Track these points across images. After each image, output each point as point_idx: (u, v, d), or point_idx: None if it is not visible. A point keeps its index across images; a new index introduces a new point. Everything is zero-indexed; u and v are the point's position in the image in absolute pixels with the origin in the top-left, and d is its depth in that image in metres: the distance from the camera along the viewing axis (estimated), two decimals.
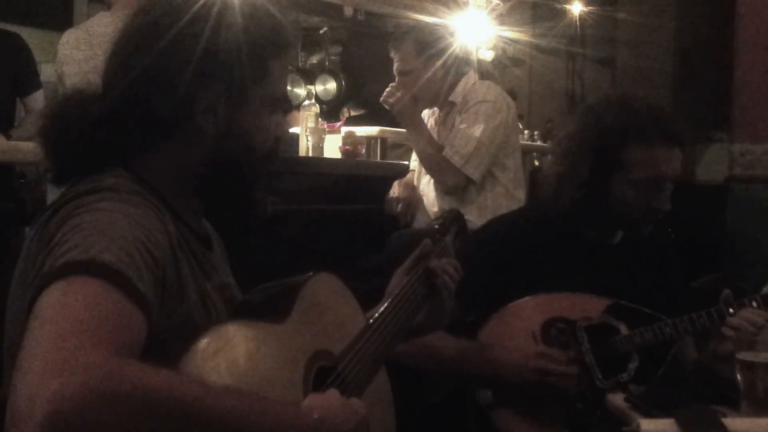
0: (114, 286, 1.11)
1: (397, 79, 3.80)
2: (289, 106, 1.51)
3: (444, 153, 3.65)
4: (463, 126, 3.65)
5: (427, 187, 3.85)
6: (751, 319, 2.12)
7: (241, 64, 1.38)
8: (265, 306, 1.38)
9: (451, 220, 1.98)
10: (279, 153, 1.51)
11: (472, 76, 3.81)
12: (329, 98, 5.91)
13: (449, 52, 3.74)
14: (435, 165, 3.70)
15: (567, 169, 2.30)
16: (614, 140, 2.24)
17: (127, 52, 1.41)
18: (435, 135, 3.85)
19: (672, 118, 2.31)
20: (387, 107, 3.78)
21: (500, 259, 2.29)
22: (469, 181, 3.63)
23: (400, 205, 3.87)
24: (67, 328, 1.03)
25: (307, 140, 4.05)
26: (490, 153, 3.63)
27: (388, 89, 3.77)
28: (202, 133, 1.39)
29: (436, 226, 1.92)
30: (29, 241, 1.30)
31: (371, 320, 1.56)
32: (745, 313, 2.15)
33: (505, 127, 3.67)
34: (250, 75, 1.39)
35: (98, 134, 1.37)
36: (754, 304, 2.17)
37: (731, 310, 2.18)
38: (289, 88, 5.44)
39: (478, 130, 3.61)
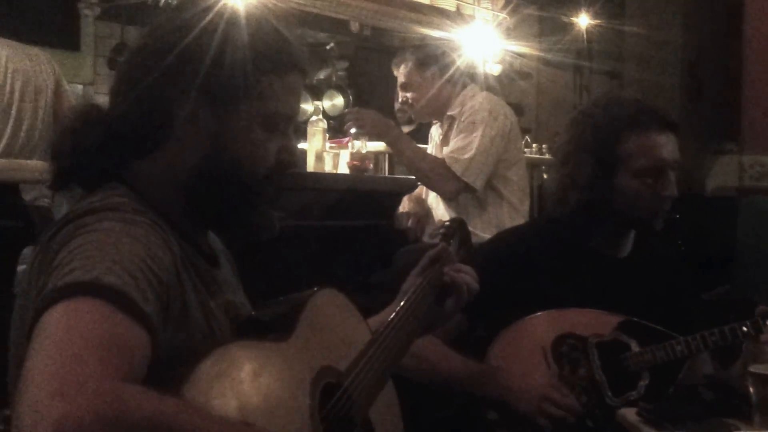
0: (117, 307, 1.09)
1: (399, 94, 3.88)
2: (288, 126, 1.46)
3: (447, 159, 3.67)
4: (460, 135, 3.68)
5: (435, 201, 3.86)
6: None
7: (226, 73, 1.36)
8: (269, 324, 1.37)
9: (455, 228, 1.97)
10: (286, 176, 1.49)
11: (472, 90, 3.83)
12: (337, 114, 5.92)
13: (450, 67, 3.78)
14: (431, 172, 3.71)
15: (568, 175, 2.30)
16: (609, 135, 2.25)
17: (125, 62, 1.44)
18: (439, 149, 3.87)
19: (661, 106, 2.33)
20: (360, 133, 3.83)
21: (509, 273, 2.27)
22: (468, 187, 3.64)
23: (410, 220, 3.87)
24: (71, 350, 1.02)
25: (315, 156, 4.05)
26: (488, 162, 3.65)
27: (349, 116, 3.81)
28: (185, 144, 1.39)
29: (439, 234, 1.91)
30: (32, 261, 1.29)
31: (376, 334, 1.55)
32: None
33: (502, 136, 3.68)
34: (238, 87, 1.37)
35: (95, 141, 1.39)
36: None
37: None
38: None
39: (475, 139, 3.63)
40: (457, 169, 3.62)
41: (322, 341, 1.41)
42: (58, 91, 4.05)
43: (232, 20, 1.39)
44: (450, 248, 1.88)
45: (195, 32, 1.37)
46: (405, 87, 3.89)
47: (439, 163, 3.74)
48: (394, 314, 1.62)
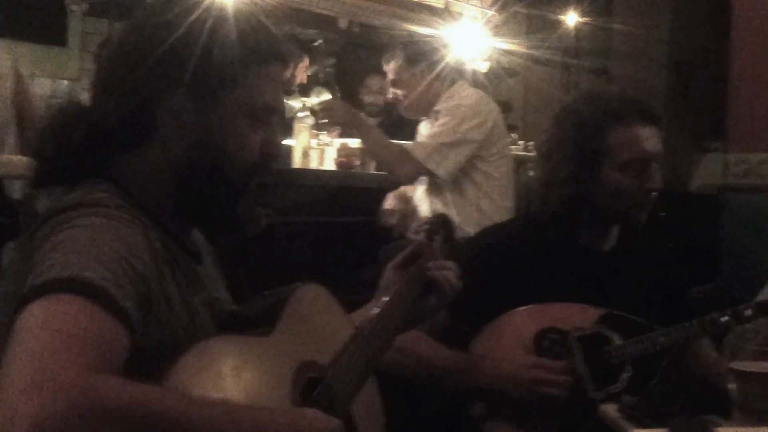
0: (96, 303, 1.09)
1: (390, 90, 3.91)
2: (272, 118, 1.46)
3: (408, 145, 3.70)
4: (437, 123, 3.73)
5: (421, 198, 3.86)
6: None
7: (209, 66, 1.36)
8: (251, 319, 1.37)
9: (439, 224, 1.97)
10: (270, 170, 1.48)
11: (461, 86, 3.85)
12: None
13: (439, 63, 3.80)
14: (388, 156, 3.76)
15: (551, 171, 2.31)
16: (592, 130, 2.26)
17: (105, 57, 1.44)
18: None
19: (643, 99, 2.34)
20: (330, 122, 3.87)
21: (493, 269, 2.28)
22: (430, 174, 3.66)
23: (394, 217, 3.88)
24: (47, 346, 1.02)
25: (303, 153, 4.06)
26: (458, 152, 3.66)
27: (323, 106, 3.86)
28: (169, 139, 1.38)
29: (424, 231, 1.91)
30: (13, 257, 1.29)
31: (359, 329, 1.55)
32: None
33: (481, 131, 3.69)
34: (220, 79, 1.37)
35: (78, 138, 1.38)
36: (749, 312, 2.16)
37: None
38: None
39: (448, 129, 3.66)
40: (420, 154, 3.65)
41: (305, 336, 1.41)
42: (17, 80, 3.95)
43: (214, 13, 1.39)
44: (434, 244, 1.89)
45: (177, 26, 1.37)
46: (394, 83, 3.92)
47: (398, 147, 3.79)
48: (378, 309, 1.62)
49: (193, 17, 1.38)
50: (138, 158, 1.40)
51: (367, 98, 5.89)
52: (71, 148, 1.38)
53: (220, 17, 1.39)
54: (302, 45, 6.12)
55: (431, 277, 1.78)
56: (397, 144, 3.87)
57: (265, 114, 1.44)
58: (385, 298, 1.66)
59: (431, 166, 3.65)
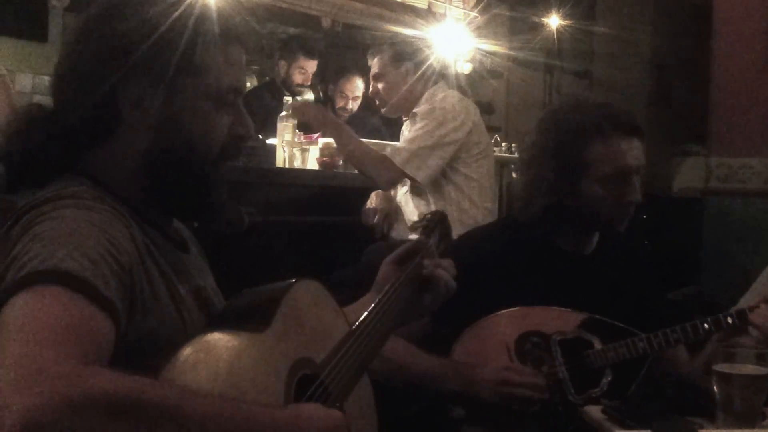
0: (78, 293, 1.09)
1: (371, 84, 3.91)
2: (237, 100, 1.45)
3: (387, 151, 3.69)
4: (414, 128, 3.73)
5: (404, 197, 3.86)
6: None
7: (164, 53, 1.36)
8: (247, 314, 1.37)
9: (436, 222, 1.96)
10: (240, 152, 1.48)
11: (441, 88, 3.84)
12: None
13: (424, 63, 3.80)
14: (366, 160, 3.75)
15: (533, 177, 2.31)
16: (573, 141, 2.26)
17: (62, 56, 1.43)
18: None
19: (626, 111, 2.33)
20: (302, 124, 3.87)
21: (475, 272, 2.27)
22: (410, 178, 3.67)
23: (377, 217, 3.88)
24: (33, 338, 1.02)
25: (284, 151, 4.05)
26: (436, 156, 3.66)
27: (293, 109, 3.85)
28: (135, 129, 1.38)
29: (421, 227, 1.91)
30: None
31: (354, 326, 1.55)
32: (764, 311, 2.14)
33: (457, 133, 3.69)
34: (178, 65, 1.37)
35: (43, 138, 1.38)
36: (729, 320, 2.17)
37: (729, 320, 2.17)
38: None
39: (425, 133, 3.67)
40: (398, 159, 3.65)
41: (300, 332, 1.41)
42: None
43: (169, 0, 1.39)
44: (430, 242, 1.88)
45: (132, 15, 1.37)
46: (377, 77, 3.92)
47: (378, 154, 3.80)
48: (373, 306, 1.62)
49: (147, 5, 1.38)
50: (107, 151, 1.40)
51: (339, 102, 5.86)
52: (38, 151, 1.38)
53: (175, 3, 1.39)
54: (285, 43, 6.09)
55: (427, 275, 1.78)
56: (377, 150, 3.87)
57: (229, 96, 1.44)
58: (381, 295, 1.66)
59: (410, 171, 3.65)
